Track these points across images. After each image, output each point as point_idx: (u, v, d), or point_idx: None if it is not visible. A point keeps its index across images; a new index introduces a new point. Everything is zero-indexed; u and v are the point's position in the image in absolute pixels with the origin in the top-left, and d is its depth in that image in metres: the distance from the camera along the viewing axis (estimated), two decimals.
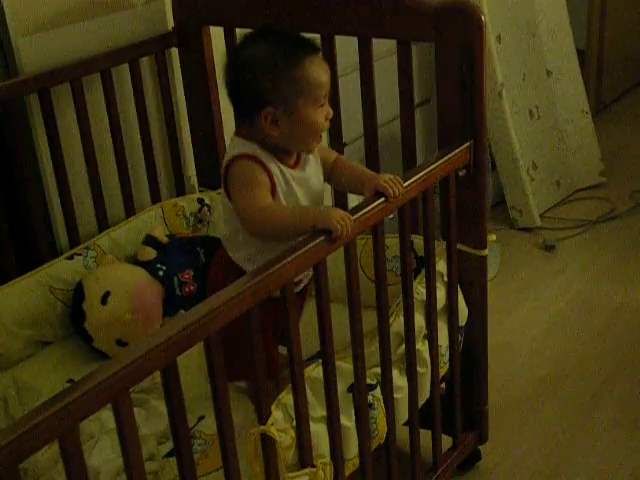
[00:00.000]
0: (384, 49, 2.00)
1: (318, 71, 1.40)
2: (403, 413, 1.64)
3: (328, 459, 1.46)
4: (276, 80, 1.38)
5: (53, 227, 2.00)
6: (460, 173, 1.63)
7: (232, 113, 2.06)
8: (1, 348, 1.76)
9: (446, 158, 1.58)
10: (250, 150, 1.43)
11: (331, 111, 1.46)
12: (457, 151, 1.60)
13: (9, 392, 1.66)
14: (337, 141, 1.93)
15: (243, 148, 1.43)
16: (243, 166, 1.42)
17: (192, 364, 1.55)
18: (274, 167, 1.44)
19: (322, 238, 1.31)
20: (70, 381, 1.66)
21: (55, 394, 1.00)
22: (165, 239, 1.99)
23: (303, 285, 1.57)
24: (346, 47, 1.87)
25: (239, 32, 1.98)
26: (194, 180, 2.23)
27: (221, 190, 1.49)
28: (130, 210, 2.07)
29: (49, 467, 1.38)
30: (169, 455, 1.45)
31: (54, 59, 1.89)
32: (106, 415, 1.46)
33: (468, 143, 1.62)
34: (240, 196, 1.42)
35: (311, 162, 1.51)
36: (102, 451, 1.41)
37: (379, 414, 1.55)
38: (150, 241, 1.99)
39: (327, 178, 1.58)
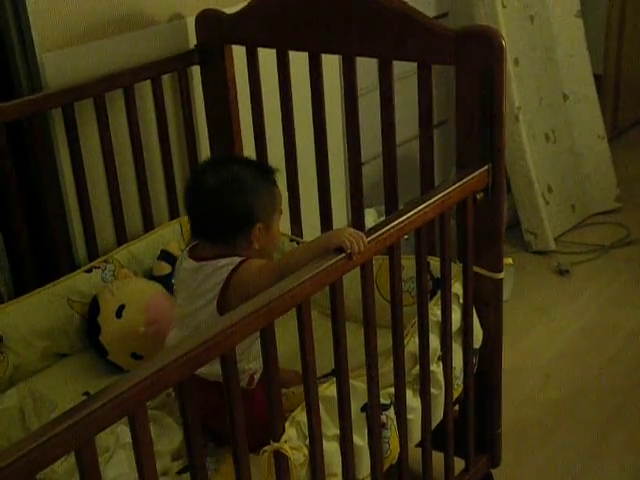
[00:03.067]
0: (400, 70, 2.01)
1: (278, 190, 1.55)
2: (416, 434, 1.63)
3: (340, 478, 1.46)
4: (263, 198, 1.50)
5: (72, 240, 2.02)
6: (478, 196, 1.64)
7: (252, 131, 2.10)
8: (18, 358, 1.78)
9: (464, 181, 1.58)
10: (242, 258, 1.47)
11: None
12: (475, 174, 1.61)
13: (26, 403, 1.67)
14: (355, 160, 1.95)
15: (235, 260, 1.47)
16: (246, 263, 1.46)
17: None
18: None
19: (339, 256, 1.32)
20: (86, 394, 1.67)
21: (73, 406, 1.01)
22: (179, 254, 2.01)
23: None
24: (363, 67, 1.89)
25: (261, 51, 2.01)
26: None
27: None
28: (149, 225, 2.08)
29: (65, 479, 1.39)
30: (182, 472, 1.45)
31: (78, 75, 1.92)
32: (122, 429, 1.47)
33: (486, 166, 1.63)
34: (260, 272, 1.43)
35: None
36: (117, 465, 1.41)
37: (392, 434, 1.55)
38: (165, 256, 2.01)
39: None
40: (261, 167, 1.58)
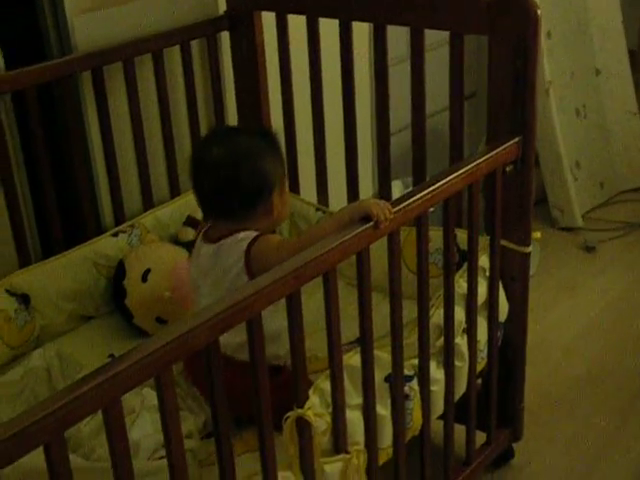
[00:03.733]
0: (429, 41, 1.99)
1: (282, 152, 1.53)
2: (439, 406, 1.63)
3: (362, 446, 1.47)
4: (274, 163, 1.47)
5: (99, 204, 2.03)
6: (507, 168, 1.62)
7: (279, 97, 2.08)
8: (45, 319, 1.80)
9: (494, 152, 1.57)
10: (257, 232, 1.45)
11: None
12: (506, 146, 1.59)
13: (52, 363, 1.69)
14: (383, 132, 1.93)
15: (251, 234, 1.44)
16: (263, 237, 1.44)
17: None
18: None
19: (366, 225, 1.32)
20: (111, 356, 1.68)
21: (101, 365, 1.02)
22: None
23: None
24: (392, 38, 1.86)
25: (290, 18, 1.99)
26: None
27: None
28: (175, 191, 2.09)
29: (90, 438, 1.41)
30: (206, 437, 1.47)
31: (108, 38, 1.92)
32: (147, 391, 1.48)
33: (517, 138, 1.61)
34: (280, 247, 1.40)
35: None
36: (142, 426, 1.43)
37: (415, 405, 1.55)
38: (190, 222, 2.01)
39: None
40: (262, 132, 1.54)
